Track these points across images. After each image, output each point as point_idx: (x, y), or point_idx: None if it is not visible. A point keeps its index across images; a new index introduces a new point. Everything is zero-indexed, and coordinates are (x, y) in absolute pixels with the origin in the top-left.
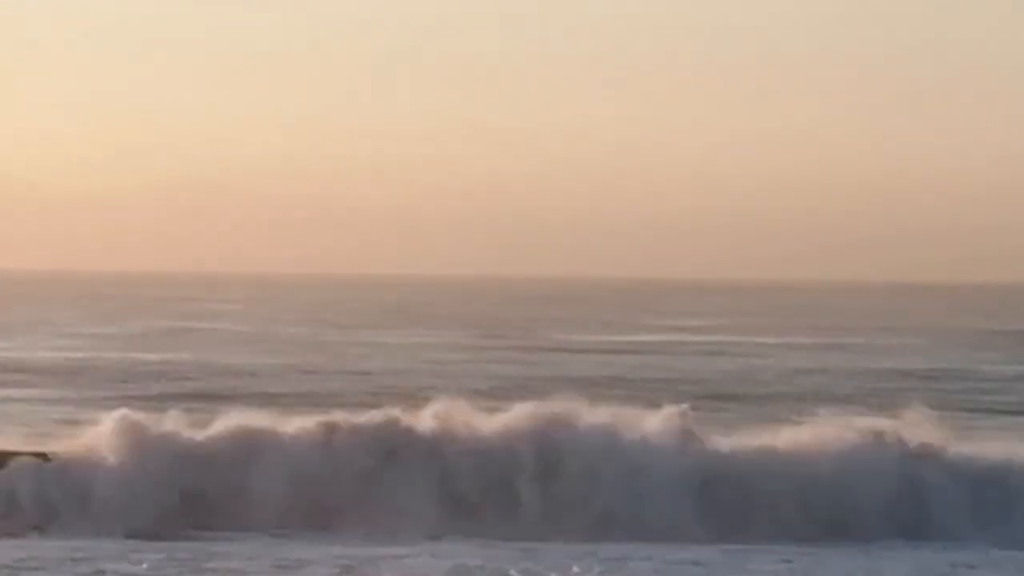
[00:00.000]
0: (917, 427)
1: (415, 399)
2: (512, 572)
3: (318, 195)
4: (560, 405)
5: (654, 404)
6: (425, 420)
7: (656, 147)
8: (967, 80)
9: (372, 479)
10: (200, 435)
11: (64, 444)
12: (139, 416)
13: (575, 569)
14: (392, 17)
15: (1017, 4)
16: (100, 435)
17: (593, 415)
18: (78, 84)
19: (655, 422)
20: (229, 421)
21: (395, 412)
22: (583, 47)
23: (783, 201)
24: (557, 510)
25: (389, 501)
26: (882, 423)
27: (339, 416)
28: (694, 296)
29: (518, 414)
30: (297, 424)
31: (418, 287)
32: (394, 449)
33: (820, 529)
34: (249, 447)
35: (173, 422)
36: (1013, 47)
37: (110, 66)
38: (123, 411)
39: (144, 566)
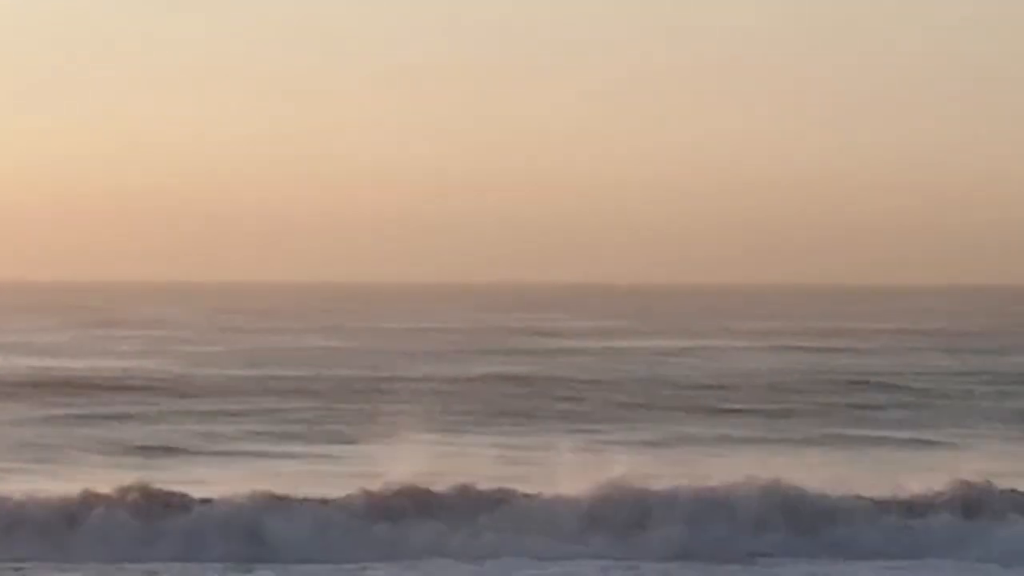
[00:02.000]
0: None
1: None
2: None
3: (305, 202)
4: None
5: None
6: None
7: (641, 153)
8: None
9: None
10: None
11: None
12: None
13: None
14: (382, 21)
15: (985, 11)
16: None
17: None
18: (55, 91)
19: None
20: None
21: None
22: (572, 52)
23: (768, 205)
24: None
25: None
26: None
27: None
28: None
29: None
30: None
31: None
32: None
33: None
34: None
35: None
36: (978, 53)
37: (91, 74)
38: None
39: None
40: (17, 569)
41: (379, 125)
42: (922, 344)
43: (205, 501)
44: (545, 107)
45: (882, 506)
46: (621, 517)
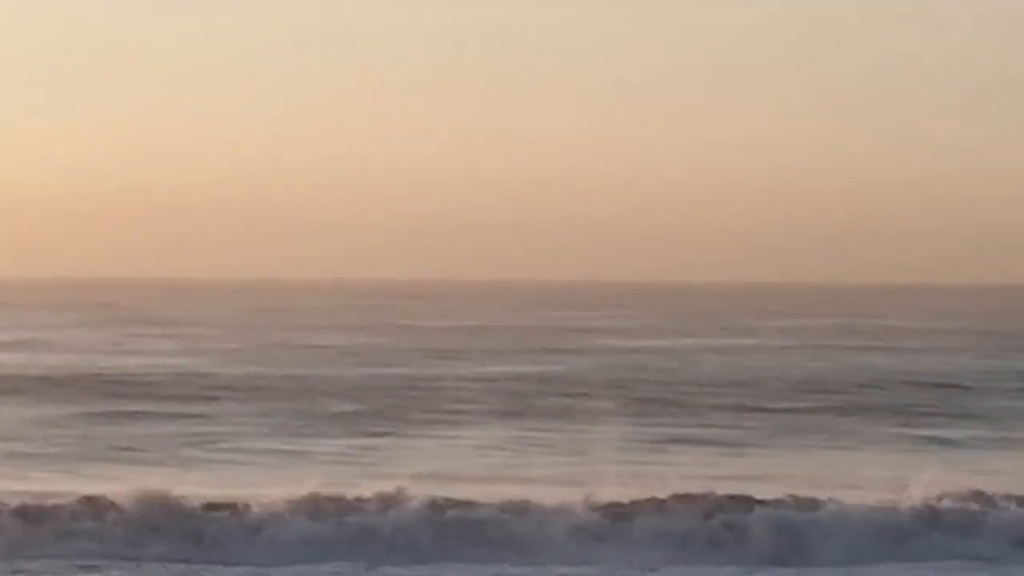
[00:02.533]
0: None
1: None
2: None
3: (306, 200)
4: None
5: None
6: None
7: (640, 155)
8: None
9: None
10: None
11: None
12: None
13: None
14: (384, 21)
15: (984, 15)
16: None
17: None
18: (58, 88)
19: None
20: None
21: None
22: (572, 53)
23: (771, 205)
24: None
25: None
26: None
27: None
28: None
29: None
30: None
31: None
32: None
33: None
34: None
35: None
36: (995, 53)
37: (93, 71)
38: None
39: None
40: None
41: (399, 125)
42: (962, 343)
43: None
44: (557, 109)
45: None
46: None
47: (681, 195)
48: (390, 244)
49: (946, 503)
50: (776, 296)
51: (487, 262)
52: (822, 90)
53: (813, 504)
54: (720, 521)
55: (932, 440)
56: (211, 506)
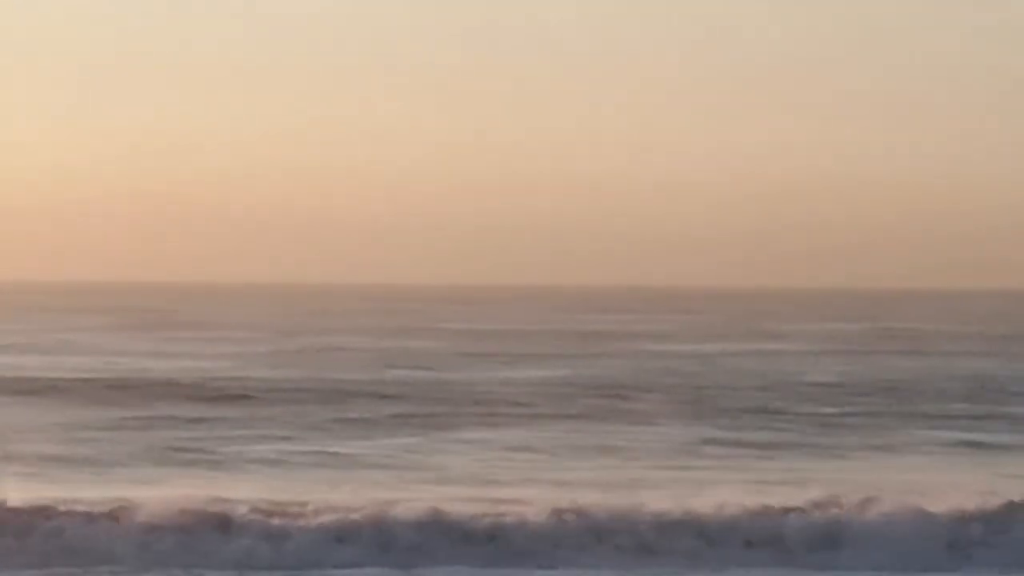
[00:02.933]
0: None
1: None
2: None
3: (303, 204)
4: None
5: None
6: None
7: (650, 158)
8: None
9: None
10: None
11: None
12: None
13: None
14: (375, 25)
15: (1013, 18)
16: None
17: None
18: (58, 92)
19: None
20: None
21: None
22: (572, 56)
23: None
24: None
25: None
26: None
27: None
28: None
29: None
30: None
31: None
32: None
33: None
34: None
35: None
36: (1010, 60)
37: (93, 73)
38: None
39: None
40: None
41: (424, 128)
42: (993, 348)
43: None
44: (583, 112)
45: None
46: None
47: (712, 198)
48: (414, 248)
49: (981, 509)
50: (800, 300)
51: (516, 266)
52: (852, 93)
53: (856, 508)
54: (758, 525)
55: (968, 443)
56: (271, 511)
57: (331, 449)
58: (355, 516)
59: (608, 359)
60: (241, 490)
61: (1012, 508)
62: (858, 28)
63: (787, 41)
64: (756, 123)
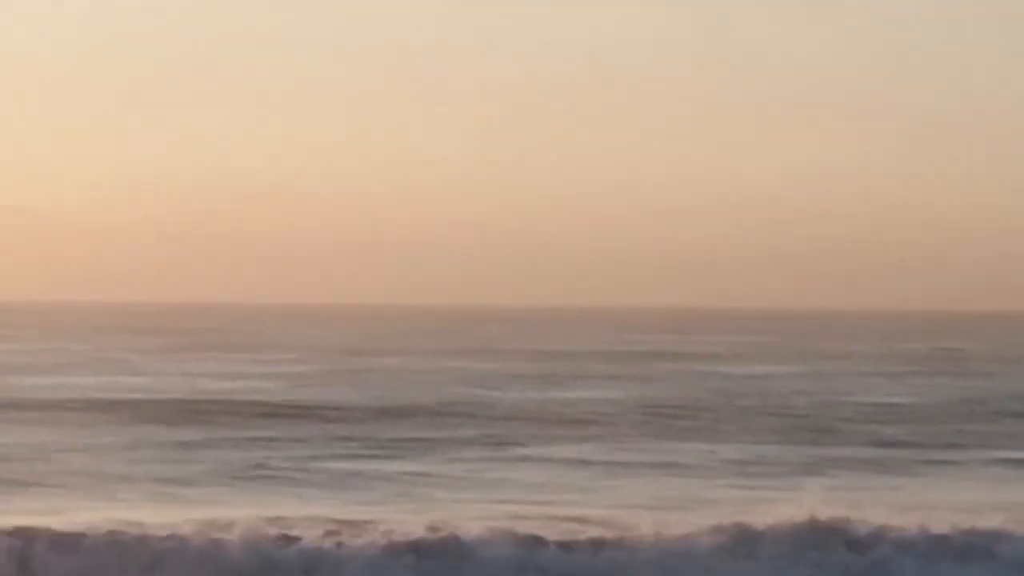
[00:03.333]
0: None
1: None
2: None
3: (345, 224)
4: None
5: None
6: None
7: (718, 182)
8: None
9: None
10: None
11: None
12: None
13: None
14: (403, 46)
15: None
16: None
17: None
18: (86, 112)
19: None
20: None
21: None
22: (596, 77)
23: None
24: None
25: None
26: None
27: None
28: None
29: None
30: None
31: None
32: None
33: None
34: None
35: None
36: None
37: (158, 94)
38: None
39: None
40: None
41: (467, 150)
42: None
43: None
44: (628, 134)
45: None
46: None
47: (762, 220)
48: (465, 268)
49: None
50: (853, 322)
51: (564, 288)
52: (899, 116)
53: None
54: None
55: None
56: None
57: (400, 468)
58: (429, 535)
59: (667, 381)
60: (326, 506)
61: None
62: (906, 51)
63: (840, 65)
64: (811, 145)
